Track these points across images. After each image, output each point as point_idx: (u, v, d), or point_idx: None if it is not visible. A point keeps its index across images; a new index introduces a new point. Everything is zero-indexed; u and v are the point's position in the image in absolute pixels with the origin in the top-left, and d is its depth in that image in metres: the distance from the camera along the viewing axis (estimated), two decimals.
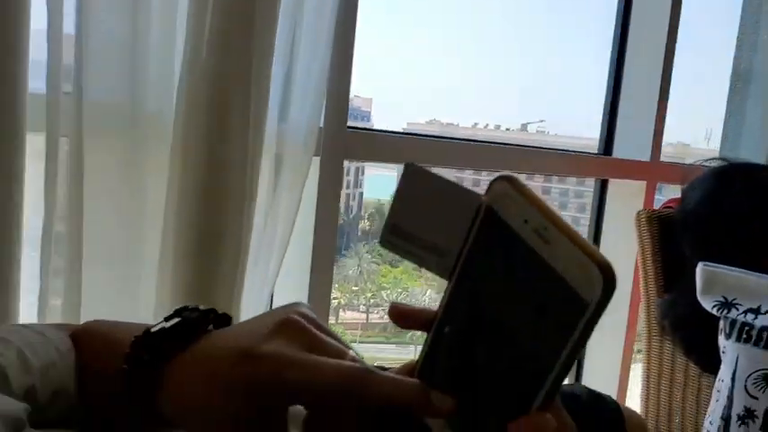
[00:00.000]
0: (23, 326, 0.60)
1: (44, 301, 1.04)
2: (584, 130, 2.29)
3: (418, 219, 0.44)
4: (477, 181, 2.29)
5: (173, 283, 1.13)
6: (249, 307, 1.20)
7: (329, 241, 1.40)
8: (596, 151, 2.15)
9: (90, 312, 1.08)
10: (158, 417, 0.48)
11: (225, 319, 0.51)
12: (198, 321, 0.49)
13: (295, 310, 0.46)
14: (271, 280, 1.25)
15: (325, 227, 1.38)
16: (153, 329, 0.49)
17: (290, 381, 0.40)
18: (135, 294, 1.14)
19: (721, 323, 1.19)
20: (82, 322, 0.63)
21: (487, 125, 2.30)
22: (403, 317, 0.45)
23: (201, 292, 1.12)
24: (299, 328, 0.44)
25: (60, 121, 1.01)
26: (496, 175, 0.40)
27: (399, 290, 2.94)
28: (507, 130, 2.39)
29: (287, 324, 0.44)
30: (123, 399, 0.49)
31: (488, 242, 0.39)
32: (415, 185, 0.44)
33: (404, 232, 0.44)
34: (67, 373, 0.56)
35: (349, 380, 0.40)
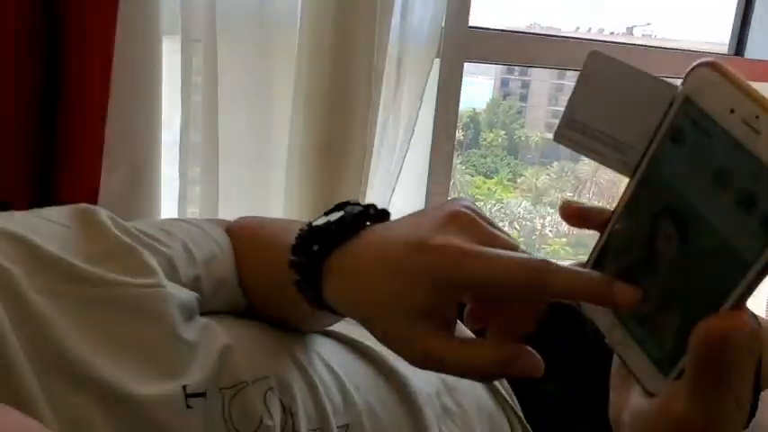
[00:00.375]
0: (182, 220, 0.62)
1: (183, 204, 1.09)
2: (691, 34, 2.12)
3: (600, 111, 0.42)
4: None
5: (299, 184, 1.16)
6: None
7: (447, 145, 1.38)
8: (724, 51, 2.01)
9: (225, 214, 1.12)
10: (323, 305, 0.50)
11: (383, 215, 0.51)
12: (360, 215, 0.50)
13: (461, 204, 0.45)
14: (392, 180, 1.26)
15: (443, 130, 1.37)
16: (316, 223, 0.50)
17: (470, 272, 0.40)
18: (266, 195, 1.17)
19: None
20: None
21: (590, 29, 2.18)
22: (576, 216, 0.44)
23: (327, 192, 1.15)
24: (471, 221, 0.44)
25: (193, 25, 1.03)
26: (696, 61, 0.37)
27: (493, 201, 2.92)
28: (611, 33, 2.26)
29: (458, 216, 0.44)
30: (289, 289, 0.51)
31: (685, 135, 0.37)
32: (598, 75, 0.42)
33: (583, 126, 0.42)
34: (229, 266, 0.59)
35: (531, 272, 0.39)
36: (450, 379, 0.66)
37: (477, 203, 0.46)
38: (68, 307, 0.46)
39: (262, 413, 0.50)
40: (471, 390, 0.68)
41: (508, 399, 0.70)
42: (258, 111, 1.14)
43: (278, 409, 0.51)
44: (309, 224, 0.50)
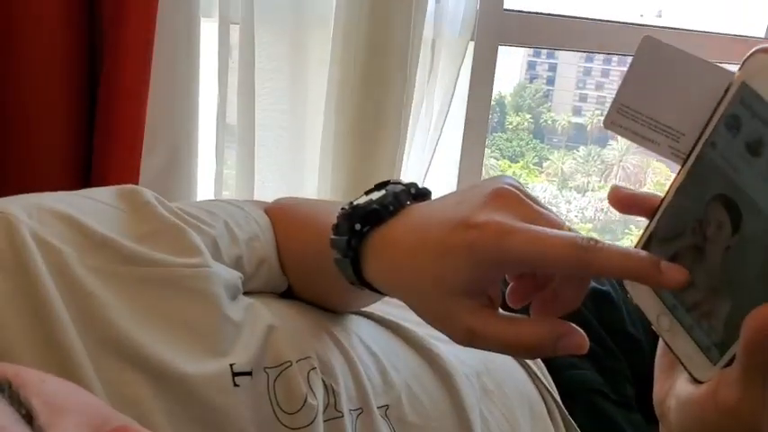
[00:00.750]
0: (223, 201, 0.63)
1: (219, 187, 1.11)
2: (700, 23, 2.07)
3: (652, 98, 0.42)
4: None
5: (333, 167, 1.16)
6: None
7: (480, 129, 1.38)
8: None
9: (261, 197, 1.13)
10: (364, 284, 0.50)
11: (425, 194, 0.51)
12: (402, 194, 0.50)
13: (505, 182, 0.45)
14: (425, 164, 1.26)
15: (476, 113, 1.36)
16: (358, 202, 0.50)
17: (514, 249, 0.40)
18: (300, 178, 1.18)
19: None
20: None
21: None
22: (625, 201, 0.43)
23: (361, 175, 1.15)
24: (516, 198, 0.43)
25: (231, 8, 1.04)
26: (755, 47, 0.37)
27: None
28: (641, 16, 2.22)
29: (502, 194, 0.43)
30: (329, 268, 0.51)
31: (741, 121, 0.37)
32: (652, 60, 0.41)
33: (634, 112, 0.42)
34: (270, 246, 0.60)
35: (578, 249, 0.38)
36: (490, 361, 0.66)
37: None
38: (119, 286, 0.47)
39: (306, 392, 0.50)
40: (510, 372, 0.68)
41: (545, 382, 0.70)
42: (294, 95, 1.15)
43: (320, 388, 0.52)
44: (351, 203, 0.50)
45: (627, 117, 0.42)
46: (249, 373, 0.48)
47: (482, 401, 0.63)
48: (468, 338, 0.43)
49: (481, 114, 1.37)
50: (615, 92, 0.43)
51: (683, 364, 0.40)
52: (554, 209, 0.43)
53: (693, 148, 0.40)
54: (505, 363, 0.69)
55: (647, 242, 0.42)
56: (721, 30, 1.69)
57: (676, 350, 0.41)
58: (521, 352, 0.42)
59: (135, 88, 0.92)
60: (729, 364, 0.38)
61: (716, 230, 0.38)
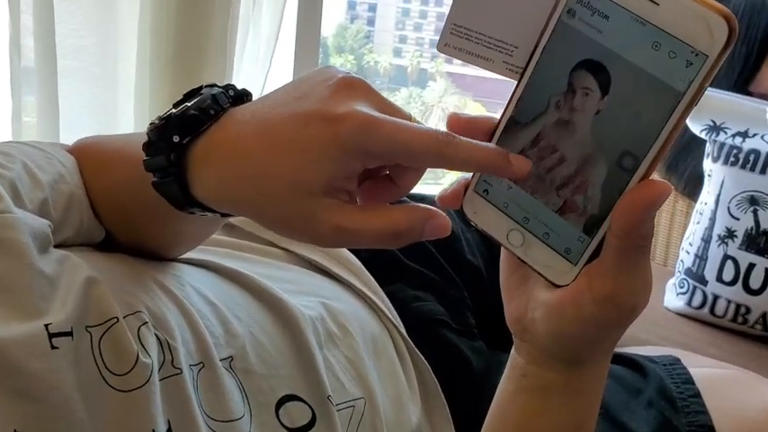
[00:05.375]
0: (19, 142, 0.54)
1: (17, 118, 0.97)
2: None
3: (483, 14, 0.42)
4: None
5: (151, 102, 1.06)
6: None
7: (312, 55, 1.33)
8: None
9: (68, 134, 1.02)
10: (194, 204, 0.44)
11: (244, 95, 0.46)
12: (220, 96, 0.44)
13: (342, 71, 0.41)
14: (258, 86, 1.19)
15: (305, 48, 1.31)
16: (170, 112, 0.44)
17: (381, 141, 0.38)
18: (113, 114, 1.07)
19: (708, 147, 1.20)
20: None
21: None
22: (464, 126, 0.43)
23: None
24: (366, 88, 0.41)
25: None
26: None
27: None
28: None
29: (351, 84, 0.40)
30: (149, 199, 0.45)
31: (579, 21, 0.38)
32: None
33: (467, 31, 0.42)
34: (79, 187, 0.52)
35: (438, 143, 0.38)
36: (332, 303, 0.64)
37: None
38: None
39: (137, 350, 0.45)
40: (353, 312, 0.66)
41: (390, 316, 0.69)
42: (101, 24, 1.03)
43: (154, 344, 0.47)
44: (160, 117, 0.44)
45: (460, 37, 0.42)
46: (69, 334, 0.42)
47: (326, 347, 0.60)
48: (336, 237, 0.40)
49: (311, 48, 1.32)
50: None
51: (541, 274, 0.42)
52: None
53: (531, 58, 0.40)
54: (349, 302, 0.67)
55: (504, 131, 0.43)
56: None
57: (533, 262, 0.42)
58: (391, 240, 0.40)
59: None
60: (591, 260, 0.40)
61: (582, 98, 0.39)
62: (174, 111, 0.44)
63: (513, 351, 0.48)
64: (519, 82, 0.41)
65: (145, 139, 0.44)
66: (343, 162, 0.39)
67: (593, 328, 0.41)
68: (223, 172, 0.42)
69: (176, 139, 0.42)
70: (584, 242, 0.40)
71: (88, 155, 0.54)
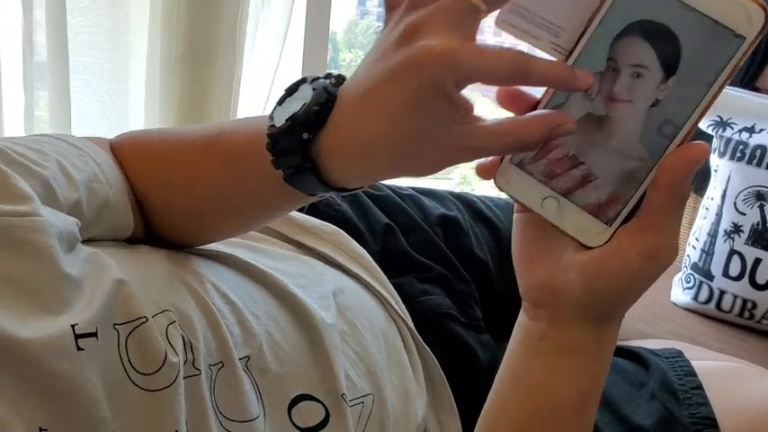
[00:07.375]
0: (52, 136, 0.55)
1: (30, 113, 0.98)
2: None
3: None
4: None
5: (162, 97, 1.07)
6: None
7: (319, 66, 1.34)
8: None
9: (79, 128, 1.03)
10: (329, 189, 0.47)
11: (343, 79, 0.48)
12: (330, 86, 0.47)
13: (404, 23, 0.43)
14: (264, 95, 1.20)
15: (314, 45, 1.32)
16: (291, 113, 0.46)
17: (464, 69, 0.41)
18: (124, 109, 1.08)
19: (715, 142, 1.20)
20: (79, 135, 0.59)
21: None
22: (512, 96, 0.45)
23: (194, 103, 1.08)
24: (429, 22, 0.42)
25: None
26: None
27: None
28: None
29: (414, 27, 0.42)
30: (250, 188, 0.50)
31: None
32: None
33: (522, 9, 0.45)
34: (113, 187, 0.53)
35: (519, 60, 0.41)
36: (341, 296, 0.64)
37: None
38: None
39: (165, 349, 0.46)
40: (363, 307, 0.66)
41: (398, 310, 0.69)
42: (112, 20, 1.04)
43: (180, 344, 0.48)
44: (271, 117, 0.47)
45: (516, 15, 0.45)
46: (94, 334, 0.43)
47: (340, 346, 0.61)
48: (470, 153, 0.43)
49: (320, 45, 1.32)
50: None
51: (574, 238, 0.45)
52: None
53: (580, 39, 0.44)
54: (358, 295, 0.67)
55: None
56: None
57: (566, 227, 0.45)
58: (530, 143, 0.43)
59: None
60: (627, 220, 0.44)
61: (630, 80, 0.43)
62: (293, 110, 0.46)
63: (523, 320, 0.49)
64: (567, 60, 0.44)
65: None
66: (443, 95, 0.41)
67: (637, 281, 0.44)
68: (352, 154, 0.45)
69: (306, 136, 0.45)
70: (620, 203, 0.44)
71: (140, 153, 0.57)
